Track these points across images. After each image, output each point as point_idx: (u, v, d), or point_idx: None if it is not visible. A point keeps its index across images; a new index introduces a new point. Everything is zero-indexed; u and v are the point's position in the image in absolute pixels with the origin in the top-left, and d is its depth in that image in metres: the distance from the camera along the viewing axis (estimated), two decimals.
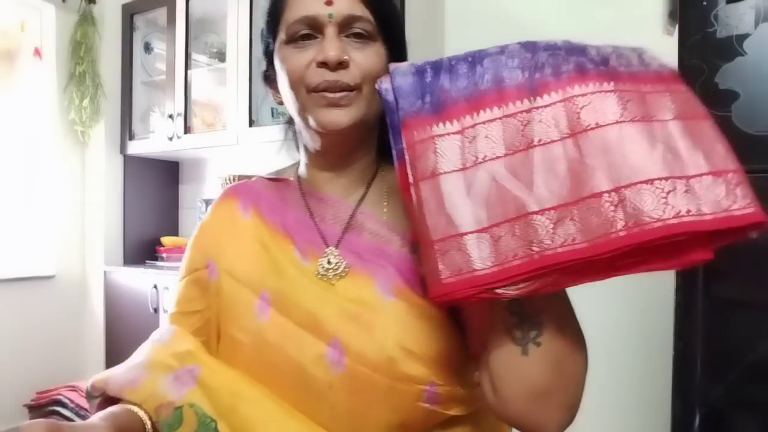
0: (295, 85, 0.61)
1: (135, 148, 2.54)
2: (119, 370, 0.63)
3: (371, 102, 0.62)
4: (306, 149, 0.69)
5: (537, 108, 0.44)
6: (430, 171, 0.46)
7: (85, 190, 2.61)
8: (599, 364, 2.05)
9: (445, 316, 0.60)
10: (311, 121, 0.62)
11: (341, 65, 0.60)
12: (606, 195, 0.41)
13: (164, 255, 2.54)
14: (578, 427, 1.96)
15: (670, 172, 0.41)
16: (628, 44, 0.49)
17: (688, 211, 0.40)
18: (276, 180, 0.74)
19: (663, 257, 0.43)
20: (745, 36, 1.11)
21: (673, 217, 0.40)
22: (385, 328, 0.57)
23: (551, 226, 0.42)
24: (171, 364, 0.62)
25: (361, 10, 0.61)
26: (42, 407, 2.30)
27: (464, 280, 0.43)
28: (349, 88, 0.60)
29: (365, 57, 0.61)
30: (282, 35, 0.63)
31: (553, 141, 0.43)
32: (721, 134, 0.45)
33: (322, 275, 0.62)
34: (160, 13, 2.48)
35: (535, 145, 0.43)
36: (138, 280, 2.37)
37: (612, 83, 0.44)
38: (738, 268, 1.15)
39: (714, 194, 0.42)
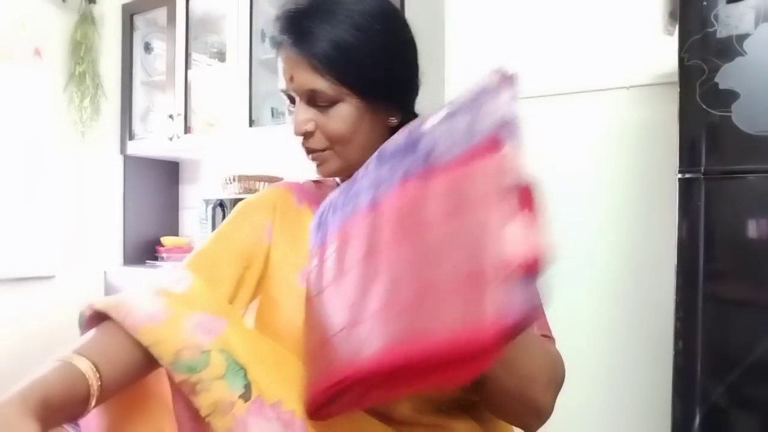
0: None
1: (135, 148, 2.54)
2: (132, 300, 0.59)
3: (348, 154, 0.71)
4: None
5: (323, 261, 0.58)
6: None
7: (85, 190, 2.60)
8: (600, 364, 2.06)
9: None
10: None
11: (305, 136, 0.71)
12: (338, 333, 0.49)
13: (164, 255, 2.54)
14: (579, 427, 1.97)
15: (352, 318, 0.48)
16: (479, 93, 0.47)
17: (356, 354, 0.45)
18: (321, 182, 0.83)
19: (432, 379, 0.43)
20: (745, 36, 1.11)
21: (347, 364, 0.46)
22: None
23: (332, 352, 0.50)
24: (193, 310, 0.60)
25: (319, 83, 0.67)
26: None
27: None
28: (316, 152, 0.71)
29: (330, 122, 0.69)
30: None
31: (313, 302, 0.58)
32: (505, 217, 0.40)
33: None
34: (160, 13, 2.48)
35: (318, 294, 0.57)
36: (138, 280, 2.36)
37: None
38: (738, 268, 1.15)
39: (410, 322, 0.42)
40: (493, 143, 0.43)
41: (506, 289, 0.37)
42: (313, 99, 0.68)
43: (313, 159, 0.72)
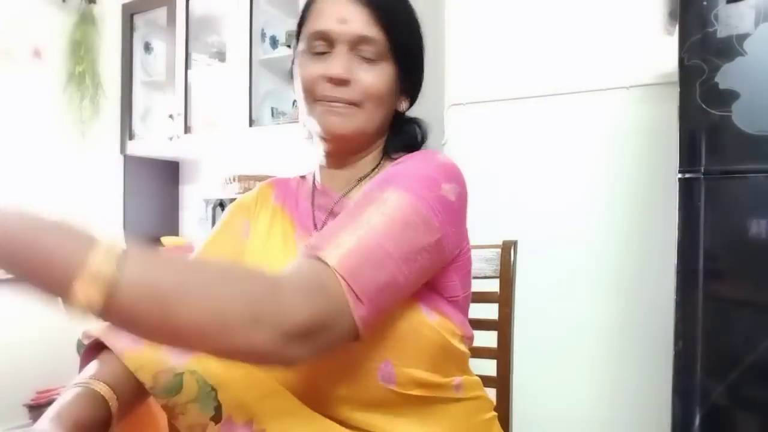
0: (305, 92, 0.69)
1: (135, 148, 2.54)
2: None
3: (372, 116, 0.69)
4: (317, 151, 0.76)
5: None
6: None
7: (84, 191, 2.60)
8: (600, 364, 2.05)
9: (405, 298, 0.60)
10: (316, 126, 0.69)
11: (343, 83, 0.66)
12: None
13: None
14: (579, 427, 1.97)
15: None
16: None
17: None
18: (303, 177, 0.83)
19: None
20: (746, 36, 1.11)
21: None
22: None
23: None
24: None
25: (373, 32, 0.66)
26: (42, 407, 2.30)
27: None
28: (348, 103, 0.67)
29: (369, 77, 0.67)
30: (302, 44, 0.70)
31: None
32: None
33: None
34: (160, 13, 2.47)
35: None
36: None
37: None
38: (738, 268, 1.15)
39: None
40: None
41: None
42: (357, 49, 0.66)
43: (339, 111, 0.67)
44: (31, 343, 2.39)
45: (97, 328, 0.61)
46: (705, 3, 1.15)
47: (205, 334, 0.43)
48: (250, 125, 2.18)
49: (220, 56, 2.42)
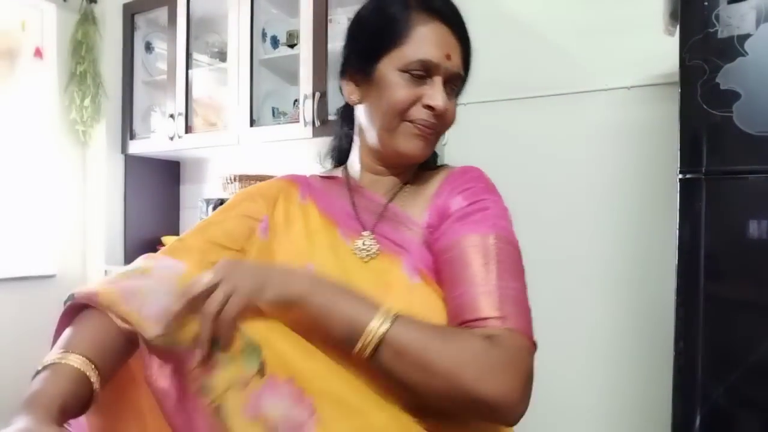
0: (394, 111, 0.72)
1: (136, 147, 2.54)
2: (141, 291, 0.60)
3: (438, 141, 0.78)
4: (362, 154, 0.80)
5: None
6: None
7: (85, 190, 2.61)
8: (600, 364, 2.05)
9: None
10: (393, 143, 0.74)
11: (442, 114, 0.73)
12: None
13: None
14: (579, 427, 1.97)
15: None
16: None
17: None
18: (327, 177, 0.85)
19: None
20: (747, 36, 1.11)
21: None
22: (411, 305, 0.63)
23: None
24: None
25: (462, 70, 0.75)
26: None
27: None
28: (435, 131, 0.74)
29: (453, 110, 0.76)
30: (396, 61, 0.71)
31: None
32: None
33: (358, 255, 0.72)
34: (161, 13, 2.48)
35: None
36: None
37: None
38: (739, 269, 1.15)
39: None
40: None
41: None
42: (450, 84, 0.73)
43: (426, 137, 0.74)
44: (31, 343, 2.38)
45: (105, 296, 0.60)
46: (706, 3, 1.15)
47: (456, 377, 0.55)
48: (251, 125, 2.18)
49: (221, 56, 2.42)
